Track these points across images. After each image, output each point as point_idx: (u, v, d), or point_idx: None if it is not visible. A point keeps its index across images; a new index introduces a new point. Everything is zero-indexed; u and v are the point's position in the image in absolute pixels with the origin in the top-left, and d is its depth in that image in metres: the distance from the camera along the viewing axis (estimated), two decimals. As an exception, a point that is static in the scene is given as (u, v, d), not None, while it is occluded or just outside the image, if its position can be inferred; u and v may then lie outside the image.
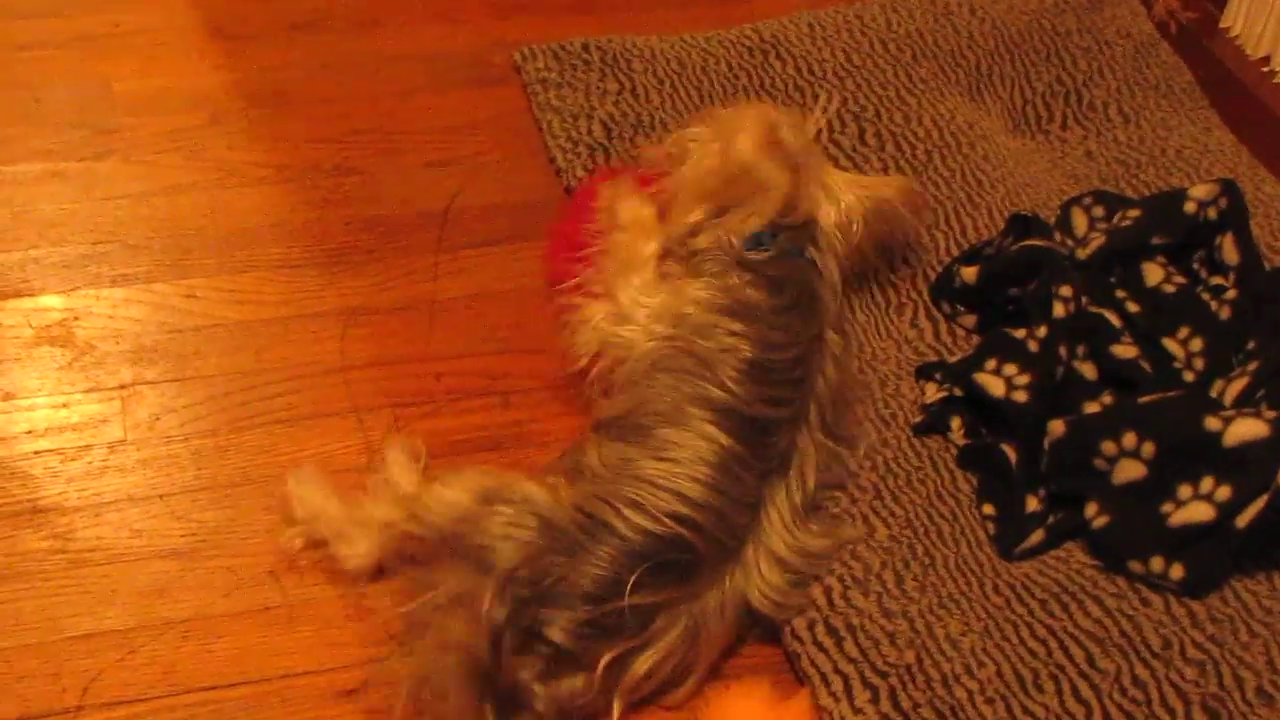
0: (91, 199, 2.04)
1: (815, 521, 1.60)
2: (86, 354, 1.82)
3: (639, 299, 1.72)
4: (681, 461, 1.52)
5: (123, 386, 1.79)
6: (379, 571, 1.58)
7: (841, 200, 1.79)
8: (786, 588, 1.54)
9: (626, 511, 1.48)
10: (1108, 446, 1.62)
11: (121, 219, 2.02)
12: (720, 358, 1.60)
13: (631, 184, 1.86)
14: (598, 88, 2.21)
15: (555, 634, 1.42)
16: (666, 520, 1.48)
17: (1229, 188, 1.90)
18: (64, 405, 1.76)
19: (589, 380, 1.74)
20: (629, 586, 1.44)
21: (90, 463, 1.70)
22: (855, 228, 1.79)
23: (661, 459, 1.53)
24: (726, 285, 1.68)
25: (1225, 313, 1.83)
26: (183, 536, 1.63)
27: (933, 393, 1.79)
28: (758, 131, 1.78)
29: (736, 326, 1.63)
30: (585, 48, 2.27)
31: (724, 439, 1.55)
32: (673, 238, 1.76)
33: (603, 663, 1.44)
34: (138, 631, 1.53)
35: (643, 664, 1.47)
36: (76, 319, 1.86)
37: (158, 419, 1.75)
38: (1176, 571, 1.58)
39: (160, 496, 1.67)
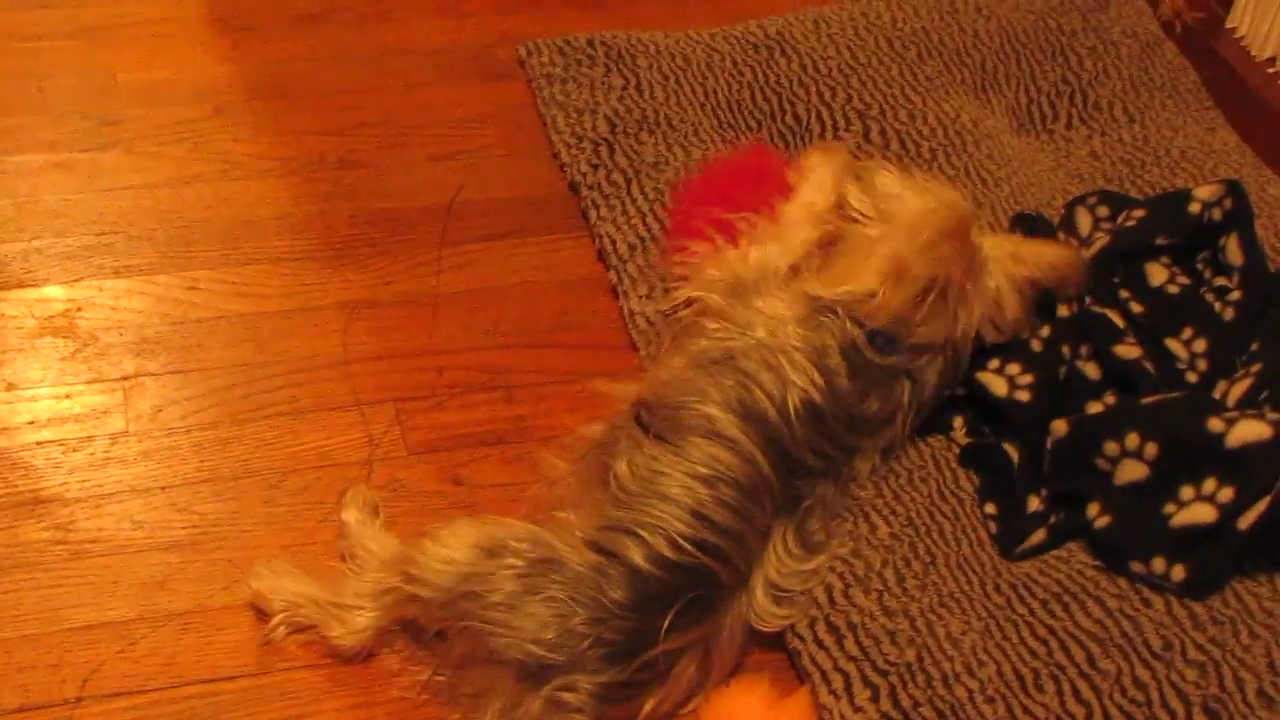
0: (95, 190, 2.04)
1: (808, 547, 1.57)
2: (89, 345, 1.82)
3: (764, 286, 1.66)
4: (714, 482, 1.49)
5: (125, 378, 1.79)
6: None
7: (994, 294, 1.70)
8: (778, 610, 1.53)
9: (650, 539, 1.43)
10: (1110, 447, 1.62)
11: (125, 210, 2.02)
12: (793, 386, 1.56)
13: (841, 164, 1.81)
14: (602, 83, 2.20)
15: (586, 701, 1.38)
16: (689, 548, 1.44)
17: (1234, 189, 1.90)
18: (66, 396, 1.76)
19: (670, 319, 1.73)
20: (661, 634, 1.40)
21: (92, 454, 1.70)
22: (1009, 314, 1.72)
23: (694, 476, 1.48)
24: (824, 358, 1.60)
25: (1229, 314, 1.83)
26: (184, 528, 1.63)
27: (935, 391, 1.79)
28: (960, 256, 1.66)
29: (819, 381, 1.58)
30: (590, 43, 2.27)
31: (765, 467, 1.52)
32: (821, 292, 1.65)
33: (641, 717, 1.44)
34: (138, 623, 1.53)
35: (664, 703, 1.46)
36: (79, 310, 1.86)
37: (160, 410, 1.75)
38: (1178, 573, 1.58)
39: (162, 488, 1.67)
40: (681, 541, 1.44)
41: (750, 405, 1.55)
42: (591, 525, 1.47)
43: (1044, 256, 1.75)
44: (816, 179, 1.80)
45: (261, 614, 1.54)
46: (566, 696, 1.39)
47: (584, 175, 2.07)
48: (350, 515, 1.60)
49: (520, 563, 1.41)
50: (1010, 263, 1.72)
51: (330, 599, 1.51)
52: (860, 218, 1.72)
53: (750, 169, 1.93)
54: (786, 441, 1.55)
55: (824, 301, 1.62)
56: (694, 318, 1.71)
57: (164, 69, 2.27)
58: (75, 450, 1.70)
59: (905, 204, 1.71)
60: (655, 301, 1.87)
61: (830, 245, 1.73)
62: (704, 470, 1.49)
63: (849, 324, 1.61)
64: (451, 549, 1.43)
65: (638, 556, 1.43)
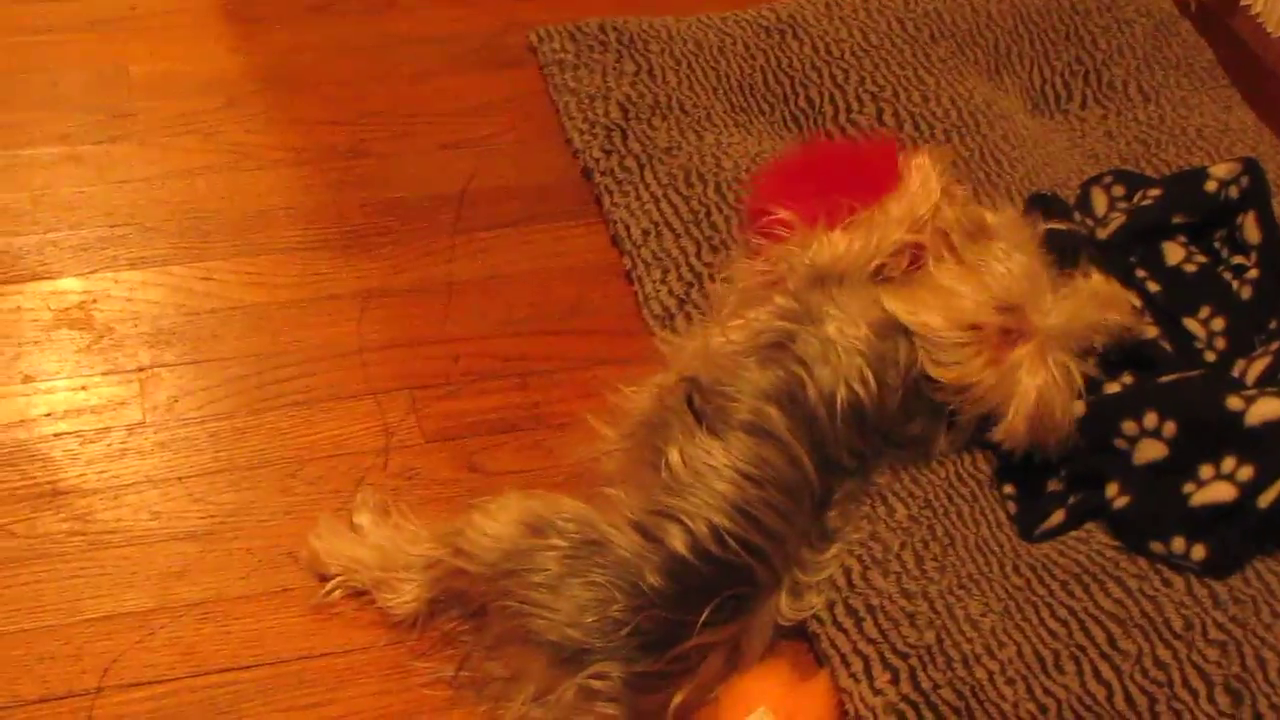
0: (108, 182, 2.04)
1: (825, 537, 1.57)
2: (105, 337, 1.82)
3: (846, 282, 1.65)
4: (763, 483, 1.48)
5: (141, 369, 1.79)
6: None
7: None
8: (799, 602, 1.53)
9: (695, 529, 1.42)
10: (1129, 426, 1.62)
11: (138, 202, 2.02)
12: (844, 384, 1.56)
13: (941, 172, 1.76)
14: (614, 69, 2.20)
15: (619, 690, 1.38)
16: (733, 544, 1.44)
17: (1250, 166, 1.89)
18: (83, 388, 1.76)
19: (738, 285, 1.72)
20: (697, 628, 1.40)
21: (109, 445, 1.70)
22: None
23: (744, 475, 1.48)
24: (884, 369, 1.60)
25: (1246, 292, 1.82)
26: (201, 519, 1.63)
27: (952, 373, 1.78)
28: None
29: (872, 386, 1.58)
30: (601, 28, 2.26)
31: (810, 470, 1.52)
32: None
33: (670, 711, 1.43)
34: (157, 613, 1.54)
35: (692, 696, 1.45)
36: (94, 302, 1.86)
37: (176, 401, 1.75)
38: (1198, 552, 1.57)
39: (179, 479, 1.67)
40: (726, 537, 1.44)
41: (800, 399, 1.55)
42: (640, 506, 1.47)
43: (1109, 319, 1.71)
44: (921, 183, 1.76)
45: (290, 594, 1.55)
46: (599, 685, 1.38)
47: (596, 161, 2.06)
48: (363, 518, 1.60)
49: (565, 543, 1.41)
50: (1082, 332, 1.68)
51: (383, 567, 1.53)
52: (950, 252, 1.69)
53: (854, 155, 1.91)
54: (829, 441, 1.56)
55: (897, 322, 1.62)
56: (764, 289, 1.69)
57: (175, 61, 2.26)
58: (92, 442, 1.70)
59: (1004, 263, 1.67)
60: (726, 267, 1.84)
61: (920, 259, 1.71)
62: (753, 470, 1.48)
63: (918, 351, 1.62)
64: (499, 523, 1.44)
65: (680, 544, 1.42)
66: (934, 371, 1.62)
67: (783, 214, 1.75)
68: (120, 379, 1.77)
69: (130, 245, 1.95)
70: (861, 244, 1.69)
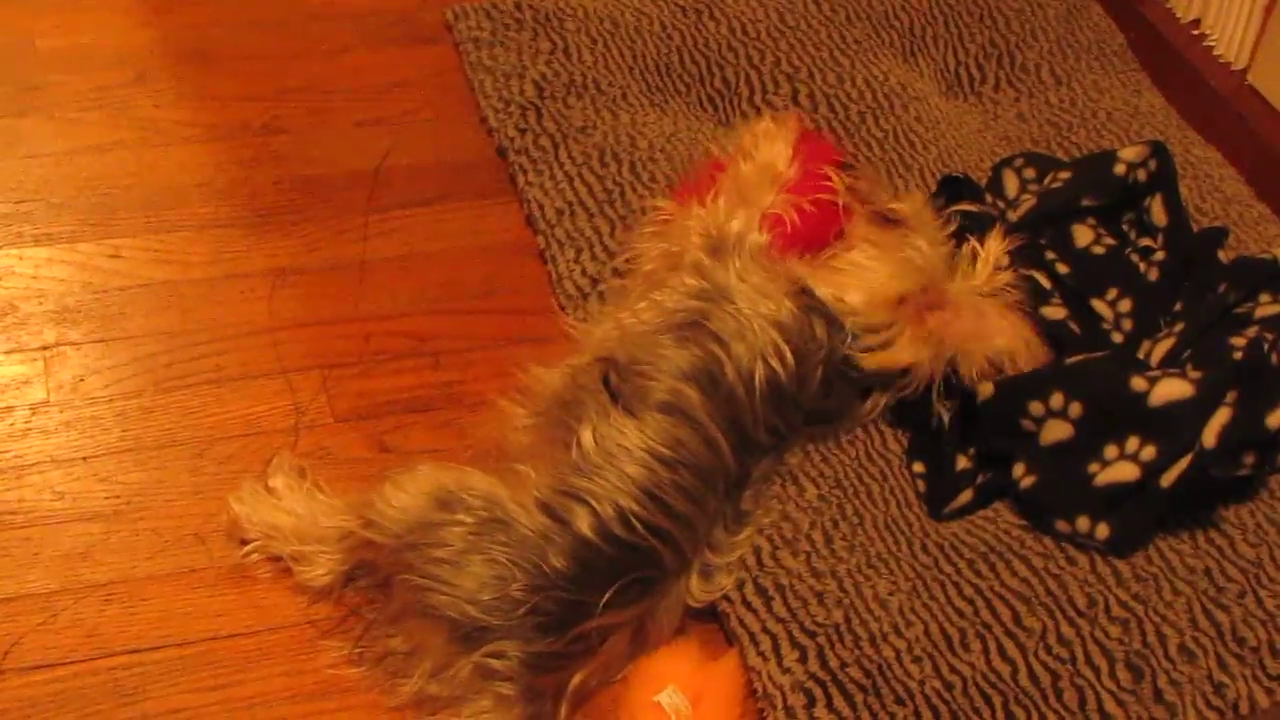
0: (14, 157, 2.01)
1: (739, 520, 1.57)
2: (9, 314, 1.79)
3: (744, 252, 1.64)
4: (675, 465, 1.47)
5: (46, 347, 1.77)
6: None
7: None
8: (708, 584, 1.53)
9: (601, 512, 1.42)
10: (1035, 407, 1.63)
11: (45, 177, 1.99)
12: (762, 360, 1.56)
13: (790, 128, 1.78)
14: (530, 47, 2.19)
15: (516, 669, 1.38)
16: (640, 528, 1.43)
17: (1159, 150, 1.91)
18: (-15, 366, 1.74)
19: (631, 276, 1.72)
20: (598, 609, 1.40)
21: (13, 424, 1.67)
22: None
23: (656, 456, 1.47)
24: (806, 343, 1.60)
25: (1153, 274, 1.84)
26: (107, 499, 1.61)
27: (864, 353, 1.79)
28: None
29: (790, 361, 1.58)
30: (518, 6, 2.25)
31: (726, 453, 1.52)
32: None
33: (568, 691, 1.42)
34: (60, 595, 1.52)
35: (593, 677, 1.45)
36: (-1, 279, 1.84)
37: (82, 380, 1.73)
38: (1102, 531, 1.59)
39: (84, 459, 1.65)
40: (633, 520, 1.43)
41: (718, 378, 1.54)
42: (548, 485, 1.46)
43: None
44: (771, 142, 1.77)
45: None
46: (496, 663, 1.38)
47: (511, 140, 2.06)
48: (278, 481, 1.59)
49: (470, 519, 1.41)
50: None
51: (299, 539, 1.52)
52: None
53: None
54: (746, 420, 1.56)
55: (812, 300, 1.63)
56: (664, 272, 1.69)
57: (84, 34, 2.23)
58: (-6, 421, 1.68)
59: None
60: (619, 255, 1.84)
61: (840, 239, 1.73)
62: (667, 452, 1.48)
63: (840, 339, 1.63)
64: (408, 494, 1.44)
65: (586, 527, 1.42)
66: (864, 360, 1.64)
67: (662, 204, 1.77)
68: (24, 357, 1.75)
69: (36, 221, 1.92)
70: (742, 206, 1.69)
